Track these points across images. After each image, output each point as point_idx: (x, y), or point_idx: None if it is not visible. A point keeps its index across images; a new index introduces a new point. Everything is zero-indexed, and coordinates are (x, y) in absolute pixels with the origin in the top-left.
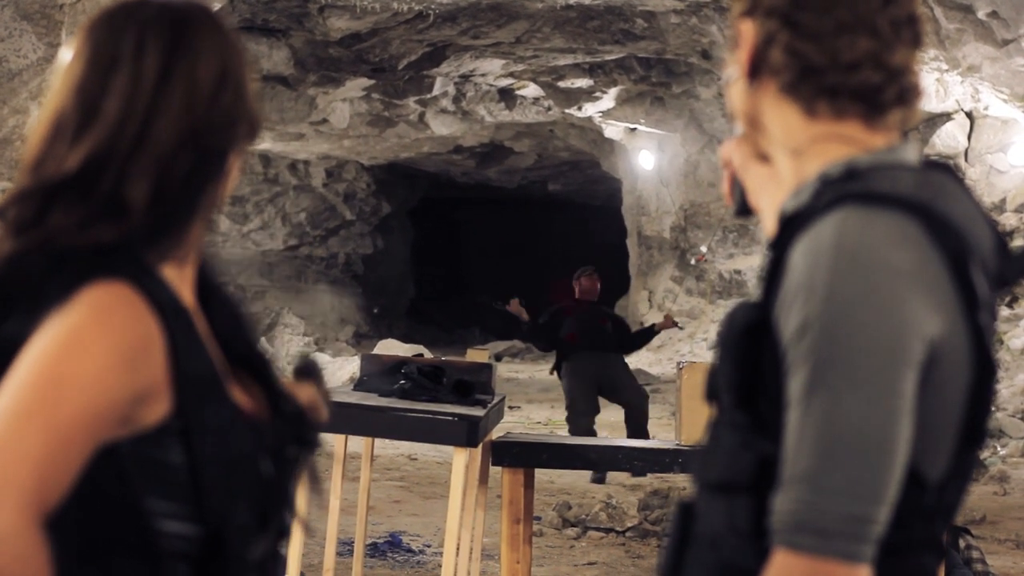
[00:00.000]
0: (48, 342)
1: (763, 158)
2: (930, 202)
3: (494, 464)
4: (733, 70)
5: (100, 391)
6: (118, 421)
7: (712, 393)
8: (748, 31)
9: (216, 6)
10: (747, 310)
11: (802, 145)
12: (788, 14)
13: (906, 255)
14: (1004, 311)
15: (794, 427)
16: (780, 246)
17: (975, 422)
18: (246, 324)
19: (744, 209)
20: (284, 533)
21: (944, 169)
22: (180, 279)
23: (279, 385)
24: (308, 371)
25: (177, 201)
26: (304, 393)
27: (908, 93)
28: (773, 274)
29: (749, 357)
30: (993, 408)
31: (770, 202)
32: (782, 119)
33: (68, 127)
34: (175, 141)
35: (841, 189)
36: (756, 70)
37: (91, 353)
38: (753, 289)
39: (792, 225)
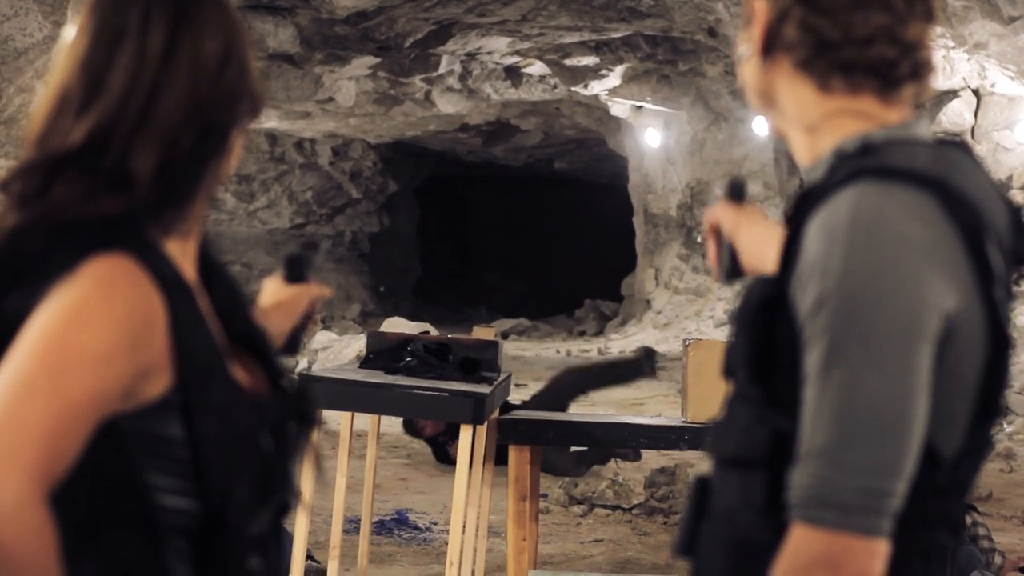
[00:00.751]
0: (53, 314)
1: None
2: (945, 177)
3: (500, 441)
4: (746, 47)
5: (105, 365)
6: (121, 395)
7: (729, 370)
8: (761, 7)
9: None
10: (763, 285)
11: (816, 121)
12: None
13: (922, 229)
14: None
15: (811, 402)
16: (795, 221)
17: (990, 398)
18: (245, 302)
19: (735, 272)
20: (285, 509)
21: (958, 146)
22: (183, 255)
23: (278, 363)
24: (297, 266)
25: (181, 175)
26: (296, 292)
27: (921, 68)
28: (789, 250)
29: (765, 332)
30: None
31: (774, 256)
32: (796, 96)
33: (73, 101)
34: (180, 115)
35: (856, 164)
36: (770, 47)
37: (96, 326)
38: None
39: (807, 200)
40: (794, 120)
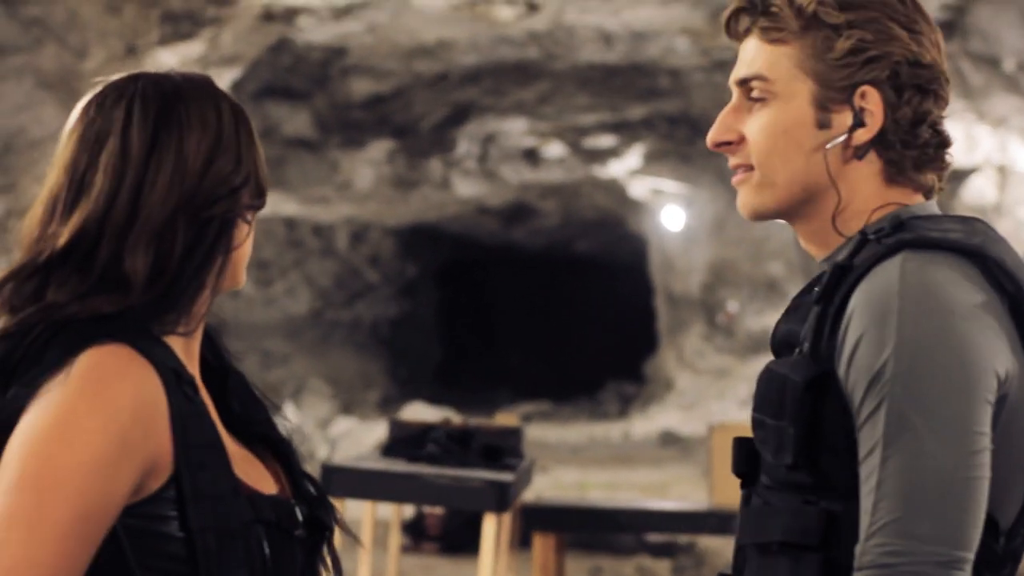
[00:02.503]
0: (38, 427)
1: None
2: (982, 246)
3: (525, 529)
4: (805, 127)
5: (95, 477)
6: (129, 493)
7: (745, 465)
8: (878, 100)
9: (237, 71)
10: (802, 365)
11: (863, 220)
12: (938, 91)
13: (970, 295)
14: None
15: (874, 475)
16: (831, 297)
17: None
18: (266, 405)
19: None
20: None
21: (983, 221)
22: (185, 351)
23: (301, 468)
24: None
25: (179, 273)
26: None
27: (947, 159)
28: (828, 326)
29: (811, 414)
30: None
31: None
32: (865, 192)
33: (60, 204)
34: (168, 212)
35: (893, 239)
36: (873, 142)
37: (82, 439)
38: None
39: (843, 276)
40: (844, 213)
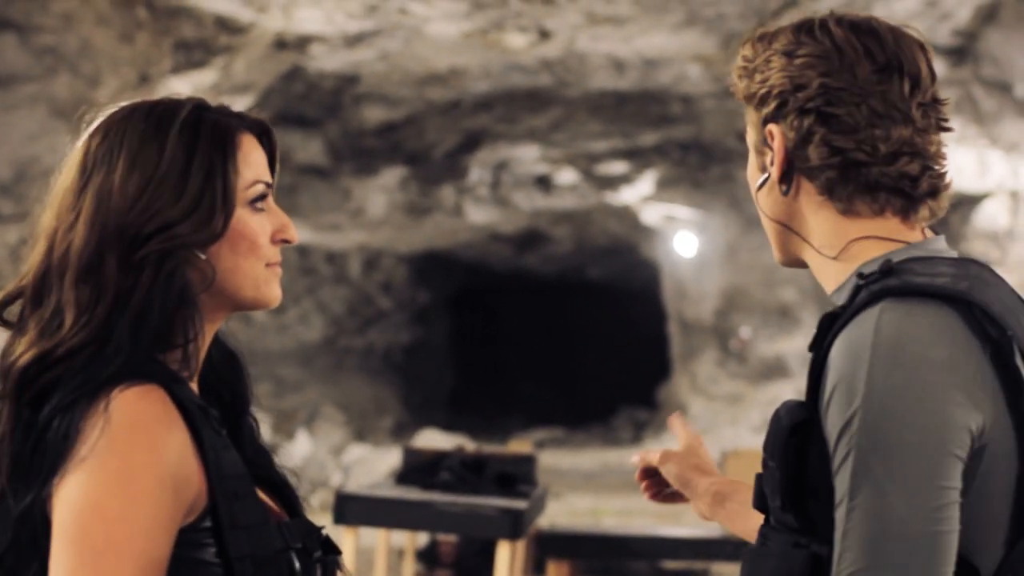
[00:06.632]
0: (98, 484)
1: None
2: (968, 292)
3: (539, 556)
4: (759, 176)
5: (159, 533)
6: (176, 532)
7: (760, 500)
8: (777, 132)
9: (249, 99)
10: (792, 410)
11: (841, 248)
12: (822, 109)
13: (944, 348)
14: None
15: (840, 524)
16: (820, 344)
17: None
18: (269, 449)
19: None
20: None
21: (980, 263)
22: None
23: (301, 509)
24: None
25: (113, 312)
26: None
27: (938, 183)
28: (815, 373)
29: (796, 457)
30: None
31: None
32: (820, 223)
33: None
34: (92, 250)
35: (879, 285)
36: (789, 174)
37: (144, 499)
38: (796, 372)
39: (831, 323)
40: (818, 247)
